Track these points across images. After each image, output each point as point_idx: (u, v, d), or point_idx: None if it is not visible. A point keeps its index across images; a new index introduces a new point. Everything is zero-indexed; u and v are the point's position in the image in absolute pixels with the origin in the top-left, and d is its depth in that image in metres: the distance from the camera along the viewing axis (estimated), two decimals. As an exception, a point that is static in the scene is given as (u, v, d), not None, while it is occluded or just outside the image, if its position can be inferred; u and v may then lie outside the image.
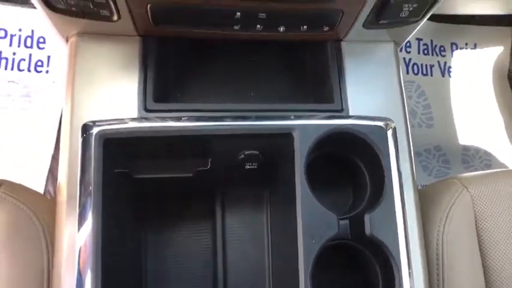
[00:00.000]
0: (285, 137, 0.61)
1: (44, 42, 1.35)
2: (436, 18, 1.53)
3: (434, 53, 1.57)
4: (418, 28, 0.70)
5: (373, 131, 0.62)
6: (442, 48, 1.57)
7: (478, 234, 0.71)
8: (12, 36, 1.33)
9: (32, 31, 1.34)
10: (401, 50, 1.37)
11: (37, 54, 1.34)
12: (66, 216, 0.58)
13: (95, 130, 0.57)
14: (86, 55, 0.64)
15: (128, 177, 0.65)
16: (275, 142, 0.63)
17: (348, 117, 0.66)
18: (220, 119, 0.62)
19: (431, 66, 1.56)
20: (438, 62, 1.56)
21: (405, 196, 0.62)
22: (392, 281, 0.59)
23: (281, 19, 0.60)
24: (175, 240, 0.74)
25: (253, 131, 0.62)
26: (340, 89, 0.68)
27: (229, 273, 0.74)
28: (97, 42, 0.64)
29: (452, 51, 1.58)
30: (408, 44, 1.54)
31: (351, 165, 0.70)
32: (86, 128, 0.58)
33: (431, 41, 1.57)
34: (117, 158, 0.61)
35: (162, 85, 0.65)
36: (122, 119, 0.60)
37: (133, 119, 0.61)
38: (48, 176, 1.25)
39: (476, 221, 0.72)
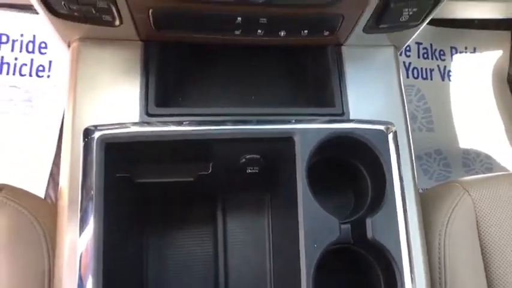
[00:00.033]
0: (286, 141, 0.61)
1: (45, 47, 1.35)
2: (435, 22, 1.54)
3: (434, 57, 1.57)
4: (418, 32, 0.70)
5: (374, 134, 0.63)
6: (441, 52, 1.58)
7: (479, 238, 0.71)
8: (14, 41, 1.34)
9: (34, 36, 1.35)
10: (401, 54, 1.37)
11: (39, 59, 1.34)
12: (67, 221, 0.58)
13: (96, 134, 0.58)
14: (87, 60, 0.64)
15: (130, 181, 0.65)
16: (276, 146, 0.63)
17: (349, 121, 0.66)
18: (222, 123, 0.62)
19: (431, 70, 1.56)
20: (438, 66, 1.57)
21: (406, 200, 0.62)
22: (394, 285, 0.59)
23: (282, 24, 0.61)
24: (177, 244, 0.74)
25: (254, 135, 0.62)
26: (341, 93, 0.68)
27: (231, 278, 0.74)
28: (99, 47, 0.64)
29: (451, 55, 1.59)
30: (408, 48, 1.54)
31: (352, 169, 0.70)
32: (87, 133, 0.58)
33: (431, 45, 1.57)
34: (118, 163, 0.61)
35: (163, 89, 0.65)
36: (124, 124, 0.61)
37: (134, 124, 0.62)
38: (49, 181, 1.26)
39: (477, 225, 0.71)
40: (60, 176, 0.62)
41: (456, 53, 1.59)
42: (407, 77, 1.53)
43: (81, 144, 0.58)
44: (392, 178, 0.62)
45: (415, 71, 1.55)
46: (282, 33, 0.62)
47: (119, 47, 0.65)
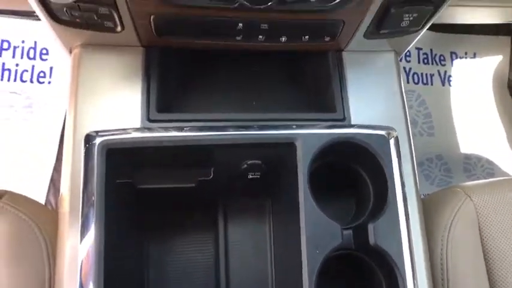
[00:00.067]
0: (288, 146, 0.61)
1: (46, 54, 1.36)
2: (435, 27, 1.55)
3: (434, 62, 1.58)
4: (418, 37, 0.70)
5: (375, 140, 0.62)
6: (441, 58, 1.58)
7: (482, 243, 0.71)
8: (15, 47, 1.34)
9: (35, 42, 1.36)
10: (401, 60, 1.38)
11: (40, 66, 1.35)
12: (68, 227, 0.58)
13: (97, 140, 0.58)
14: (89, 66, 0.64)
15: (131, 187, 0.64)
16: (277, 151, 0.63)
17: (350, 126, 0.66)
18: (223, 129, 0.62)
19: (432, 76, 1.56)
20: (438, 71, 1.57)
21: (408, 205, 0.62)
22: (397, 291, 0.58)
23: (283, 29, 0.61)
24: (178, 250, 0.74)
25: (255, 141, 0.62)
26: (342, 98, 0.68)
27: (232, 284, 0.73)
28: (100, 53, 0.65)
29: (452, 60, 1.59)
30: (408, 54, 1.55)
31: (353, 174, 0.70)
32: (88, 138, 0.58)
33: (431, 50, 1.58)
34: (119, 168, 0.61)
35: (165, 95, 0.65)
36: (125, 129, 0.61)
37: (136, 129, 0.62)
38: (49, 187, 1.25)
39: (480, 230, 0.71)
40: (61, 182, 0.62)
41: (456, 58, 1.59)
42: (408, 82, 1.53)
43: (82, 150, 0.58)
44: (394, 183, 0.61)
45: (416, 76, 1.55)
46: (283, 39, 0.62)
47: (121, 53, 0.65)
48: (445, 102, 1.55)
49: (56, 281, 0.59)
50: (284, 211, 0.69)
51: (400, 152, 0.64)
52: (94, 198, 0.55)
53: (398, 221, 0.60)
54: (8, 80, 1.32)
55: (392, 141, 0.63)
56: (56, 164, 1.27)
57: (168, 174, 0.65)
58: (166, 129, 0.61)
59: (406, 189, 0.63)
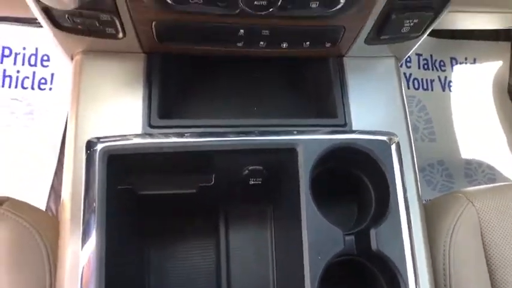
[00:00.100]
0: (289, 152, 0.61)
1: (47, 60, 1.36)
2: (435, 33, 1.55)
3: (434, 68, 1.58)
4: (419, 43, 0.71)
5: (376, 145, 0.62)
6: (441, 63, 1.59)
7: (484, 248, 0.70)
8: (16, 54, 1.35)
9: (36, 49, 1.36)
10: (401, 65, 1.39)
11: (41, 72, 1.35)
12: (69, 233, 0.58)
13: (99, 146, 0.57)
14: (90, 72, 0.64)
15: (132, 193, 0.64)
16: (279, 157, 0.63)
17: (352, 131, 0.66)
18: (224, 135, 0.62)
19: (432, 81, 1.57)
20: (438, 76, 1.57)
21: (410, 210, 0.62)
22: (399, 297, 0.58)
23: (284, 36, 0.61)
24: (179, 257, 0.73)
25: (256, 147, 0.62)
26: (343, 103, 0.68)
27: (233, 290, 0.73)
28: (102, 59, 0.65)
29: (452, 66, 1.59)
30: (408, 59, 1.55)
31: (355, 180, 0.70)
32: (90, 145, 0.58)
33: (431, 56, 1.58)
34: (121, 175, 0.61)
35: (166, 101, 0.65)
36: (126, 135, 0.61)
37: (137, 135, 0.62)
38: (50, 193, 1.25)
39: (482, 235, 0.71)
40: (62, 188, 0.62)
41: (456, 63, 1.60)
42: (408, 88, 1.54)
43: (84, 156, 0.58)
44: (396, 189, 0.61)
45: (416, 82, 1.55)
46: (284, 45, 0.62)
47: (122, 59, 0.65)
48: (445, 107, 1.55)
49: (57, 287, 0.59)
50: (285, 217, 0.69)
51: (401, 157, 0.64)
52: (95, 204, 0.55)
53: (401, 226, 0.59)
54: (9, 87, 1.33)
55: (393, 147, 0.63)
56: (56, 170, 1.27)
57: (169, 180, 0.65)
58: (167, 135, 0.61)
59: (408, 194, 0.63)
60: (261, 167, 0.65)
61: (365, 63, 0.72)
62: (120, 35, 0.59)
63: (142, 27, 0.58)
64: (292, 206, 0.61)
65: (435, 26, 0.66)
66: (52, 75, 1.36)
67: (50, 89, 1.34)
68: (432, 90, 1.56)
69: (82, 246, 0.55)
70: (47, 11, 0.54)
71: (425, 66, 1.57)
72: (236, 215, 0.75)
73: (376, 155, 0.62)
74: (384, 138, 0.63)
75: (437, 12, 0.61)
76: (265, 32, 0.59)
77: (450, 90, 1.57)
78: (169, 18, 0.56)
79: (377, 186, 0.66)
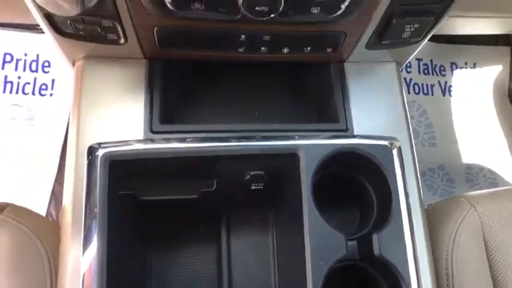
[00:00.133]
0: (291, 157, 0.61)
1: (48, 66, 1.37)
2: (435, 38, 1.56)
3: (434, 73, 1.58)
4: (419, 48, 0.71)
5: (378, 150, 0.62)
6: (442, 68, 1.59)
7: (487, 253, 0.70)
8: (18, 60, 1.36)
9: (37, 55, 1.37)
10: (402, 70, 1.39)
11: (42, 78, 1.36)
12: (70, 239, 0.58)
13: (100, 152, 0.57)
14: (92, 78, 0.65)
15: (133, 198, 0.64)
16: (280, 162, 0.63)
17: (353, 136, 0.66)
18: (226, 140, 0.62)
19: (432, 86, 1.57)
20: (439, 81, 1.58)
21: (412, 215, 0.62)
22: (402, 302, 0.58)
23: (285, 41, 0.61)
24: (181, 262, 0.73)
25: (258, 152, 0.62)
26: (345, 108, 0.68)
27: (235, 296, 0.73)
28: (103, 65, 0.65)
29: (452, 70, 1.60)
30: (408, 64, 1.56)
31: (357, 184, 0.70)
32: (91, 150, 0.58)
33: (431, 61, 1.59)
34: (122, 180, 0.61)
35: (168, 107, 0.66)
36: (127, 141, 0.61)
37: (138, 141, 0.62)
38: (50, 199, 1.25)
39: (485, 240, 0.71)
40: (63, 194, 0.62)
41: (456, 68, 1.60)
42: (409, 92, 1.54)
43: (85, 162, 0.58)
44: (398, 193, 0.61)
45: (416, 86, 1.56)
46: (285, 50, 0.63)
47: (124, 65, 0.65)
48: (446, 112, 1.55)
49: (58, 293, 0.58)
50: (287, 222, 0.69)
51: (403, 162, 0.64)
52: (97, 210, 0.55)
53: (403, 231, 0.59)
54: (10, 92, 1.33)
55: (395, 152, 0.63)
56: (57, 176, 1.26)
57: (171, 185, 0.65)
58: (168, 140, 0.61)
59: (410, 199, 0.63)
60: (262, 172, 0.65)
61: (366, 68, 0.72)
62: (122, 40, 0.59)
63: (143, 33, 0.58)
64: (294, 211, 0.61)
65: (435, 31, 0.66)
66: (53, 81, 1.36)
67: (51, 94, 1.35)
68: (432, 94, 1.56)
69: (83, 251, 0.55)
70: (49, 17, 0.54)
71: (426, 71, 1.58)
72: (238, 220, 0.75)
73: (378, 160, 0.62)
74: (386, 142, 0.63)
75: (437, 17, 0.61)
76: (267, 38, 0.59)
77: (450, 95, 1.57)
78: (170, 24, 0.56)
79: (379, 190, 0.66)
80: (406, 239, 0.59)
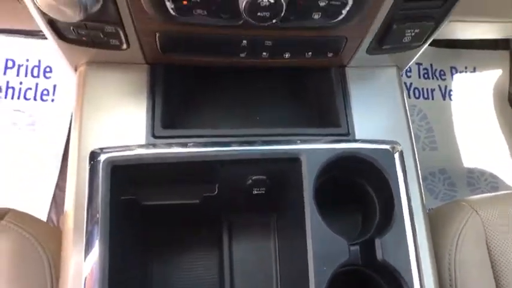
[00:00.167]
0: (293, 161, 0.61)
1: (50, 72, 1.37)
2: (435, 43, 1.56)
3: (434, 77, 1.59)
4: (420, 53, 0.71)
5: (380, 154, 0.62)
6: (442, 72, 1.60)
7: (490, 257, 0.70)
8: (19, 66, 1.36)
9: (39, 61, 1.37)
10: (401, 75, 1.40)
11: (43, 83, 1.36)
12: (72, 244, 0.58)
13: (102, 157, 0.58)
14: (94, 83, 0.65)
15: (135, 203, 0.64)
16: (282, 167, 0.63)
17: (355, 141, 0.67)
18: (227, 145, 0.62)
19: (432, 90, 1.57)
20: (439, 85, 1.58)
21: (415, 219, 0.62)
22: (405, 307, 0.57)
23: (286, 46, 0.62)
24: (182, 267, 0.73)
25: (260, 156, 0.62)
26: (346, 113, 0.69)
27: (237, 302, 0.72)
28: (105, 70, 0.65)
29: (452, 75, 1.60)
30: (409, 69, 1.56)
31: (359, 189, 0.69)
32: (93, 155, 0.58)
33: (431, 65, 1.59)
34: (124, 185, 0.61)
35: (169, 111, 0.66)
36: (129, 146, 0.61)
37: (140, 146, 0.62)
38: (51, 204, 1.25)
39: (487, 244, 0.70)
40: (65, 199, 0.62)
41: (456, 72, 1.61)
42: (409, 97, 1.54)
43: (87, 167, 0.58)
44: (400, 198, 0.61)
45: (416, 91, 1.56)
46: (287, 55, 0.63)
47: (126, 70, 0.66)
48: (446, 116, 1.55)
49: (59, 299, 0.58)
50: (289, 227, 0.69)
51: (405, 166, 0.64)
52: (98, 215, 0.55)
53: (406, 236, 0.59)
54: (12, 98, 1.33)
55: (397, 156, 0.63)
56: (58, 181, 1.26)
57: (173, 190, 0.65)
58: (170, 145, 0.61)
59: (412, 203, 0.63)
60: (264, 177, 0.65)
61: (367, 73, 0.73)
62: (124, 46, 0.59)
63: (146, 39, 0.59)
64: (296, 215, 0.61)
65: (436, 35, 0.66)
66: (54, 86, 1.36)
67: (52, 100, 1.35)
68: (433, 99, 1.56)
69: (85, 257, 0.54)
70: (52, 23, 0.55)
71: (426, 76, 1.58)
72: (239, 225, 0.75)
73: (380, 164, 0.62)
74: (387, 147, 0.64)
75: (438, 22, 0.62)
76: (268, 43, 0.60)
77: (451, 99, 1.58)
78: (172, 30, 0.57)
79: (381, 195, 0.66)
80: (408, 244, 0.59)
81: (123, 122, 0.64)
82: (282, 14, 0.49)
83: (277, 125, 0.69)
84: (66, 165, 0.63)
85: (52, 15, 0.47)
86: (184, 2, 0.49)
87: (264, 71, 0.72)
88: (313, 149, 0.61)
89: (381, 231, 0.61)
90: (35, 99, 1.34)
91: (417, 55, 0.72)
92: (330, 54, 0.65)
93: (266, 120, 0.72)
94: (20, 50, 1.37)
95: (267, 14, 0.48)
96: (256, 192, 0.67)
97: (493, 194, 0.80)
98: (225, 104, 0.73)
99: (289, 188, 0.65)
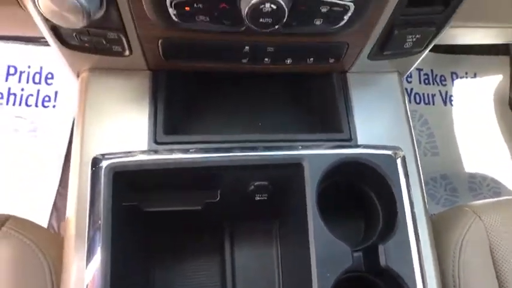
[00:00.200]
0: (295, 167, 0.61)
1: (52, 78, 1.38)
2: (435, 48, 1.57)
3: (435, 83, 1.59)
4: (421, 58, 0.71)
5: (382, 159, 0.62)
6: (442, 78, 1.60)
7: (494, 262, 0.69)
8: (21, 72, 1.36)
9: (41, 68, 1.38)
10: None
11: (45, 90, 1.36)
12: (74, 251, 0.57)
13: (104, 163, 0.57)
14: (96, 90, 0.65)
15: (137, 210, 0.64)
16: (284, 172, 0.63)
17: (357, 146, 0.66)
18: (229, 150, 0.62)
19: (433, 96, 1.57)
20: (439, 91, 1.58)
21: (418, 225, 0.61)
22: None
23: (288, 52, 0.62)
24: (185, 275, 0.72)
25: (262, 162, 0.61)
26: (348, 118, 0.69)
27: (240, 309, 0.72)
28: (108, 76, 0.65)
29: (452, 80, 1.61)
30: (409, 74, 1.57)
31: (361, 194, 0.69)
32: (95, 161, 0.58)
33: (432, 70, 1.60)
34: (126, 191, 0.60)
35: (172, 118, 0.66)
36: (131, 152, 0.61)
37: (142, 152, 0.62)
38: (52, 211, 1.24)
39: (491, 249, 0.70)
40: (67, 205, 0.61)
41: (457, 78, 1.61)
42: (410, 102, 1.54)
43: (89, 173, 0.58)
44: (403, 203, 0.61)
45: (417, 96, 1.56)
46: (288, 61, 0.63)
47: (128, 76, 0.66)
48: (447, 121, 1.56)
49: (60, 306, 0.58)
50: (292, 233, 0.68)
51: (407, 171, 0.63)
52: (100, 221, 0.55)
53: (409, 241, 0.59)
54: (14, 105, 1.34)
55: (399, 161, 0.63)
56: (59, 188, 1.26)
57: (175, 196, 0.65)
58: (172, 151, 0.61)
59: (415, 209, 0.62)
60: (266, 183, 0.65)
61: (368, 79, 0.73)
62: (127, 52, 0.59)
63: (148, 45, 0.59)
64: (298, 221, 0.61)
65: (436, 41, 0.67)
66: (56, 93, 1.37)
67: (54, 106, 1.35)
68: (433, 104, 1.56)
69: (87, 263, 0.54)
70: (55, 29, 0.55)
71: (426, 81, 1.58)
72: (242, 232, 0.75)
73: (382, 169, 0.62)
74: (390, 152, 0.63)
75: (439, 28, 0.62)
76: (270, 49, 0.60)
77: (451, 105, 1.58)
78: (175, 36, 0.57)
79: (383, 200, 0.66)
80: (412, 249, 0.59)
81: (125, 128, 0.64)
82: (284, 21, 0.50)
83: (279, 131, 0.69)
84: (67, 171, 0.63)
85: (55, 21, 0.47)
86: (187, 9, 0.49)
87: (265, 77, 0.72)
88: (316, 154, 0.61)
89: (384, 237, 0.61)
90: (36, 105, 1.34)
91: (418, 61, 0.72)
92: (331, 60, 0.65)
93: (268, 126, 0.72)
94: (21, 56, 1.37)
95: (269, 20, 0.48)
96: (258, 198, 0.66)
97: (496, 199, 0.79)
98: (227, 110, 0.73)
99: (291, 194, 0.65)
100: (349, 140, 0.67)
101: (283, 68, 0.65)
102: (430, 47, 0.68)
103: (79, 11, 0.46)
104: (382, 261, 0.57)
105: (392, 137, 0.69)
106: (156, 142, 0.63)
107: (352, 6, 0.50)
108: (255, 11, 0.46)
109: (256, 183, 0.65)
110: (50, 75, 1.37)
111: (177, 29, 0.53)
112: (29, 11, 0.53)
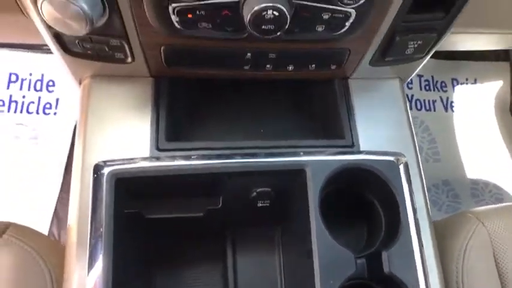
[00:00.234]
0: (297, 173, 0.60)
1: (53, 85, 1.38)
2: (436, 54, 1.57)
3: (435, 89, 1.59)
4: (422, 64, 0.72)
5: (385, 166, 0.62)
6: (443, 84, 1.60)
7: (497, 268, 0.69)
8: (23, 80, 1.37)
9: (42, 75, 1.38)
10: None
11: (46, 97, 1.37)
12: (75, 258, 0.57)
13: (106, 170, 0.57)
14: (99, 96, 0.65)
15: (139, 217, 0.64)
16: (287, 179, 0.63)
17: (359, 152, 0.66)
18: (231, 157, 0.62)
19: (434, 102, 1.58)
20: (440, 97, 1.59)
21: (421, 231, 0.61)
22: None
23: (290, 58, 0.62)
24: (186, 282, 0.72)
25: (264, 168, 0.61)
26: (350, 125, 0.69)
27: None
28: (110, 83, 0.66)
29: (453, 86, 1.61)
30: (410, 81, 1.57)
31: (364, 200, 0.69)
32: (97, 168, 0.58)
33: (432, 77, 1.60)
34: (128, 198, 0.60)
35: (174, 124, 0.66)
36: (133, 159, 0.60)
37: (144, 159, 0.61)
38: (53, 218, 1.24)
39: (494, 256, 0.70)
40: (68, 212, 0.61)
41: (457, 84, 1.61)
42: (411, 109, 1.54)
43: (91, 180, 0.58)
44: (406, 210, 0.61)
45: (418, 102, 1.56)
46: (290, 68, 0.63)
47: (130, 83, 0.66)
48: (448, 127, 1.56)
49: (61, 314, 0.57)
50: (294, 239, 0.68)
51: (410, 177, 0.63)
52: (102, 228, 0.54)
53: (412, 248, 0.58)
54: (15, 112, 1.34)
55: (402, 167, 0.63)
56: (59, 195, 1.26)
57: (177, 203, 0.65)
58: (174, 158, 0.61)
59: (418, 215, 0.62)
60: (269, 189, 0.64)
61: (370, 85, 0.73)
62: (129, 59, 0.60)
63: (150, 52, 0.59)
64: (301, 228, 0.60)
65: (437, 47, 0.67)
66: (57, 100, 1.37)
67: (55, 113, 1.35)
68: (434, 110, 1.57)
69: (88, 270, 0.54)
70: (57, 36, 0.55)
71: (427, 87, 1.59)
72: (244, 239, 0.74)
73: (385, 176, 0.62)
74: (392, 158, 0.63)
75: (440, 34, 0.62)
76: (272, 56, 0.60)
77: (452, 111, 1.58)
78: (177, 43, 0.57)
79: (386, 206, 0.66)
80: (415, 256, 0.58)
81: (127, 135, 0.64)
82: (286, 27, 0.50)
83: (281, 137, 0.69)
84: (68, 178, 0.63)
85: (58, 28, 0.47)
86: (189, 16, 0.49)
87: (267, 84, 0.72)
88: (318, 160, 0.61)
89: (387, 243, 0.60)
90: (37, 112, 1.35)
91: (419, 67, 0.73)
92: (333, 67, 0.65)
93: (270, 132, 0.72)
94: (23, 64, 1.38)
95: (272, 27, 0.48)
96: (260, 204, 0.66)
97: (498, 205, 0.79)
98: (229, 117, 0.73)
99: (294, 200, 0.64)
100: (352, 146, 0.67)
101: (285, 74, 0.65)
102: (432, 53, 0.68)
103: (82, 18, 0.46)
104: (386, 268, 0.57)
105: (394, 143, 0.69)
106: (158, 149, 0.63)
107: (353, 12, 0.50)
108: (257, 17, 0.46)
109: (258, 190, 0.64)
110: (51, 83, 1.38)
111: (180, 36, 0.54)
112: (31, 18, 0.54)
